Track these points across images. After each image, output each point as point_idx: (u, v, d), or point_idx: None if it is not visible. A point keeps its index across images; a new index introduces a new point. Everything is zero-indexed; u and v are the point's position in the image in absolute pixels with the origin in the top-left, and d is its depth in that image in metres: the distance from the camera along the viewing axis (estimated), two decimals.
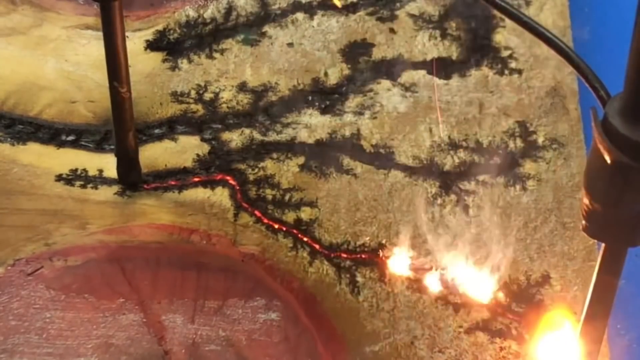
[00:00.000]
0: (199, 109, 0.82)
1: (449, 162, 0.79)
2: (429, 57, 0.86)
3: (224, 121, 0.82)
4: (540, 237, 0.75)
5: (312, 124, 0.81)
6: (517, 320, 0.71)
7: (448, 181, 0.78)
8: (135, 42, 0.86)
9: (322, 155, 0.79)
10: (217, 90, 0.83)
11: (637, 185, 0.47)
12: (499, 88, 0.84)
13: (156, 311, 0.70)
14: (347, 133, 0.81)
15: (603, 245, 0.52)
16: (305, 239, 0.75)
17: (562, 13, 0.89)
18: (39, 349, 0.68)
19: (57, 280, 0.71)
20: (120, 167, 0.77)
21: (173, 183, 0.78)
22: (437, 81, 0.84)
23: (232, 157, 0.79)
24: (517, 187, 0.78)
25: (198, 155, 0.80)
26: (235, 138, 0.81)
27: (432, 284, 0.72)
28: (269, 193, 0.77)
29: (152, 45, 0.86)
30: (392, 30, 0.87)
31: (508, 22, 0.84)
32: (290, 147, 0.80)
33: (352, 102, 0.83)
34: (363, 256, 0.74)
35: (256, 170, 0.79)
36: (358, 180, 0.78)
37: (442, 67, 0.85)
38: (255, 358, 0.67)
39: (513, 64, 0.85)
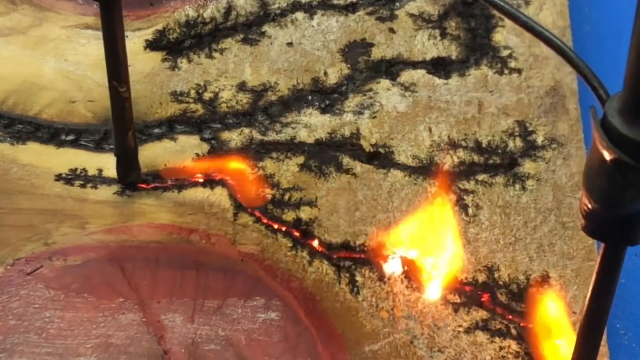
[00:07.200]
0: (198, 108, 0.82)
1: (448, 161, 0.79)
2: (428, 57, 0.86)
3: (224, 121, 0.82)
4: (539, 237, 0.75)
5: (311, 124, 0.81)
6: (516, 320, 0.71)
7: (448, 181, 0.78)
8: (134, 41, 0.86)
9: (322, 155, 0.79)
10: (217, 89, 0.83)
11: (637, 185, 0.47)
12: (498, 87, 0.84)
13: (156, 311, 0.70)
14: (347, 133, 0.81)
15: (603, 244, 0.52)
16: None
17: (562, 13, 0.89)
18: (39, 349, 0.68)
19: (57, 279, 0.71)
20: (119, 166, 0.77)
21: (172, 183, 0.78)
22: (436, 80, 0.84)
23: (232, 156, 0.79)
24: (517, 186, 0.78)
25: (197, 154, 0.80)
26: (234, 137, 0.81)
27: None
28: (268, 193, 0.77)
29: (151, 45, 0.86)
30: (391, 30, 0.87)
31: (507, 21, 0.84)
32: (289, 147, 0.80)
33: (352, 101, 0.83)
34: (363, 256, 0.74)
35: (256, 170, 0.79)
36: (358, 179, 0.78)
37: (441, 67, 0.85)
38: (255, 357, 0.67)
39: (512, 64, 0.85)
